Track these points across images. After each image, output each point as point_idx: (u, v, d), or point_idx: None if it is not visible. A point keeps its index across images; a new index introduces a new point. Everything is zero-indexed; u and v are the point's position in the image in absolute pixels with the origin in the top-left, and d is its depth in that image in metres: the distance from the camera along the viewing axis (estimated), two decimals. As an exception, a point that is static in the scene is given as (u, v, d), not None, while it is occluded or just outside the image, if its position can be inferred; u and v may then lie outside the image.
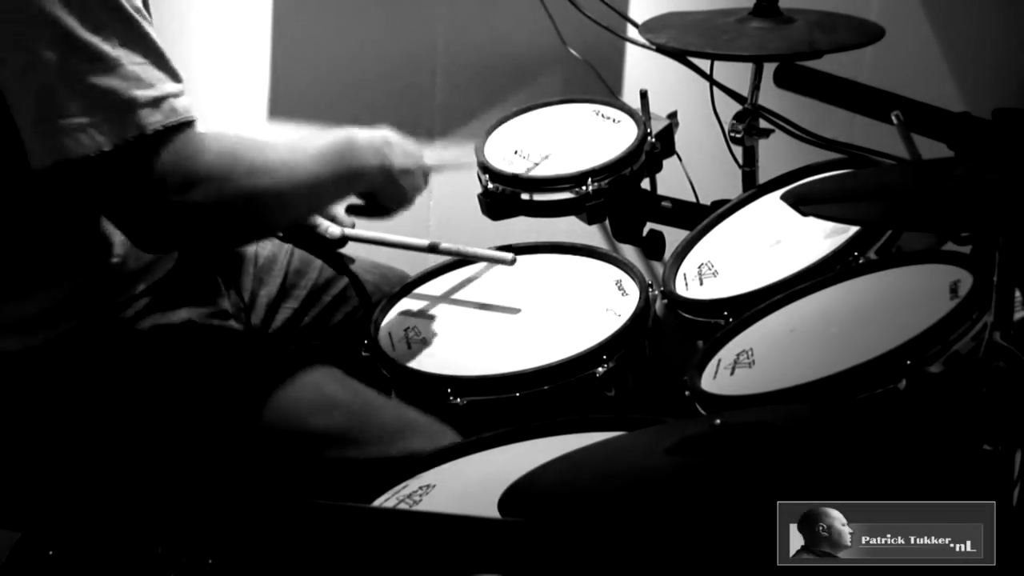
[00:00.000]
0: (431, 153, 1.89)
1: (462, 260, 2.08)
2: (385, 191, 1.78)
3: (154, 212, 1.51)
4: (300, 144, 1.65)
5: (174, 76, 1.52)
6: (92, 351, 1.64)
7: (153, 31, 1.51)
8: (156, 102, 1.48)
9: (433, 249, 2.04)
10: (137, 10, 1.50)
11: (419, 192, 1.83)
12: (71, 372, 1.63)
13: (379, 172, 1.74)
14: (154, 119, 1.48)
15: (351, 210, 1.94)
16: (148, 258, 1.70)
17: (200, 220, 1.53)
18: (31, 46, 1.44)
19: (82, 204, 1.58)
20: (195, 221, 1.53)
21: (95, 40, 1.45)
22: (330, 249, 2.05)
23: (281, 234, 2.04)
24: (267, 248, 1.99)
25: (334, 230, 2.03)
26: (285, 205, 1.63)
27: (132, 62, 1.48)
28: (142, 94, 1.47)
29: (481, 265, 2.09)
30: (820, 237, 1.88)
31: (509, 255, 2.00)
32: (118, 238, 1.64)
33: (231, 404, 1.66)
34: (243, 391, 1.67)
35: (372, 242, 2.05)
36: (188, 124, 1.51)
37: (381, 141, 1.75)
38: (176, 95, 1.51)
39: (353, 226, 2.05)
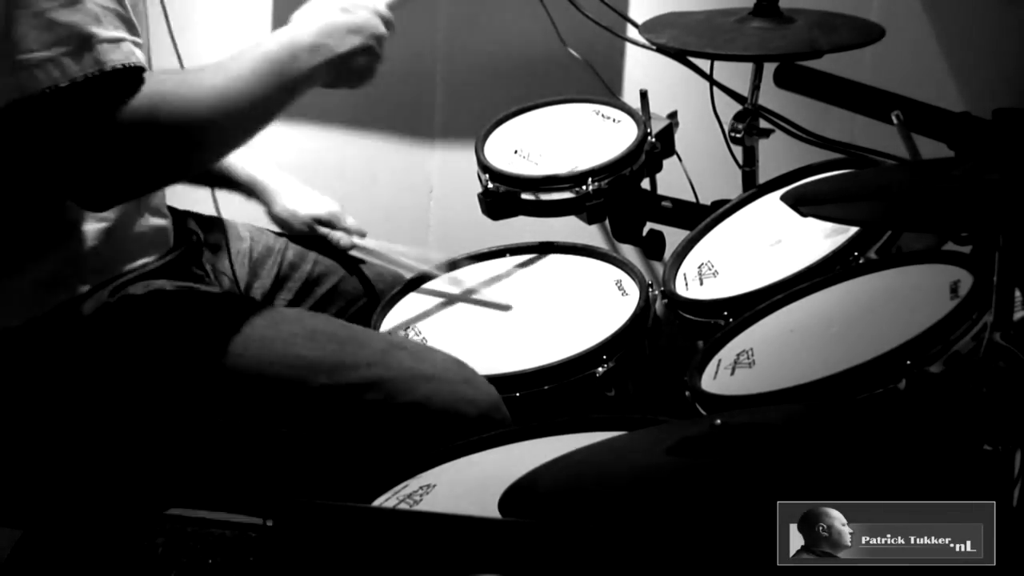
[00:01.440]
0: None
1: (460, 261, 2.08)
2: (339, 81, 1.70)
3: (96, 155, 1.48)
4: (237, 64, 1.59)
5: (133, 30, 1.50)
6: (79, 333, 1.64)
7: None
8: (116, 42, 1.47)
9: (425, 275, 2.04)
10: None
11: (378, 59, 1.71)
12: (63, 352, 1.62)
13: (327, 68, 1.65)
14: (113, 57, 1.46)
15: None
16: (134, 239, 1.69)
17: (136, 162, 1.51)
18: None
19: (28, 150, 1.53)
20: (133, 164, 1.51)
21: None
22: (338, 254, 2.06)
23: (282, 230, 2.04)
24: (262, 241, 1.99)
25: (344, 242, 2.04)
26: (224, 132, 1.59)
27: (94, 2, 1.46)
28: (103, 32, 1.46)
29: (481, 264, 2.09)
30: (820, 237, 1.88)
31: (507, 304, 1.99)
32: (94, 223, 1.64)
33: (221, 347, 1.65)
34: (231, 333, 1.66)
35: (379, 257, 2.05)
36: (141, 71, 1.49)
37: (322, 33, 1.65)
38: (135, 43, 1.49)
39: (364, 235, 2.06)
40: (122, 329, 1.65)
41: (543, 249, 2.10)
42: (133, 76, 1.48)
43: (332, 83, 1.68)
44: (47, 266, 1.62)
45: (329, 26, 1.66)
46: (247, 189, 2.04)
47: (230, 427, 1.65)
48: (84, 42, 1.45)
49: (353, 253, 2.07)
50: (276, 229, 2.05)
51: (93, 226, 1.64)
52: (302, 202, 2.05)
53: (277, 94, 1.61)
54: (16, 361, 1.62)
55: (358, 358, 1.67)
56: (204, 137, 1.56)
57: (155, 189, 1.68)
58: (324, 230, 2.04)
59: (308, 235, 2.04)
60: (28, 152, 1.53)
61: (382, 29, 1.70)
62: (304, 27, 1.65)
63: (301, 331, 1.69)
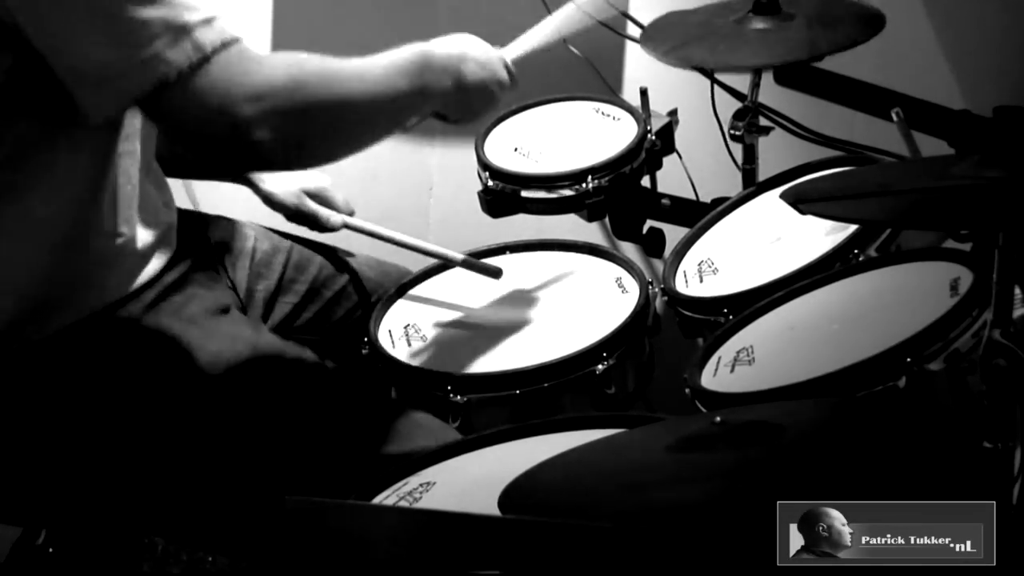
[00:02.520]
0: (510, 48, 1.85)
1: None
2: (458, 108, 1.74)
3: (225, 129, 1.49)
4: (373, 59, 1.62)
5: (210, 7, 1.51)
6: (95, 341, 1.63)
7: None
8: (207, 22, 1.48)
9: (423, 251, 2.04)
10: None
11: (495, 104, 1.78)
12: (74, 361, 1.62)
13: (453, 91, 1.69)
14: (210, 37, 1.47)
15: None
16: (148, 244, 1.69)
17: (275, 131, 1.50)
18: (77, 2, 1.44)
19: (111, 157, 1.57)
20: (271, 133, 1.50)
21: None
22: (329, 232, 2.05)
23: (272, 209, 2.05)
24: (266, 243, 1.98)
25: (335, 220, 2.03)
26: (360, 116, 1.60)
27: None
28: (191, 17, 1.47)
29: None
30: (820, 234, 1.88)
31: (498, 269, 1.99)
32: (113, 224, 1.64)
33: (236, 402, 1.65)
34: (251, 389, 1.67)
35: (369, 234, 2.05)
36: (238, 41, 1.50)
37: (457, 58, 1.70)
38: (219, 18, 1.50)
39: (352, 214, 2.05)
40: (127, 343, 1.65)
41: (543, 247, 2.10)
42: (234, 46, 1.49)
43: (446, 108, 1.72)
44: (54, 279, 1.62)
45: (463, 53, 1.71)
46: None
47: (232, 434, 1.65)
48: (179, 32, 1.45)
49: (344, 230, 2.06)
50: (276, 228, 2.05)
51: (100, 237, 1.64)
52: (290, 177, 2.04)
53: (409, 97, 1.63)
54: (24, 371, 1.62)
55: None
56: (344, 115, 1.57)
57: (293, 162, 1.68)
58: (313, 206, 2.02)
59: (298, 214, 2.03)
60: (170, 140, 1.56)
61: (506, 78, 1.77)
62: (441, 47, 1.69)
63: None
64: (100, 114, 1.49)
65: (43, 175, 1.57)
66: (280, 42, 2.67)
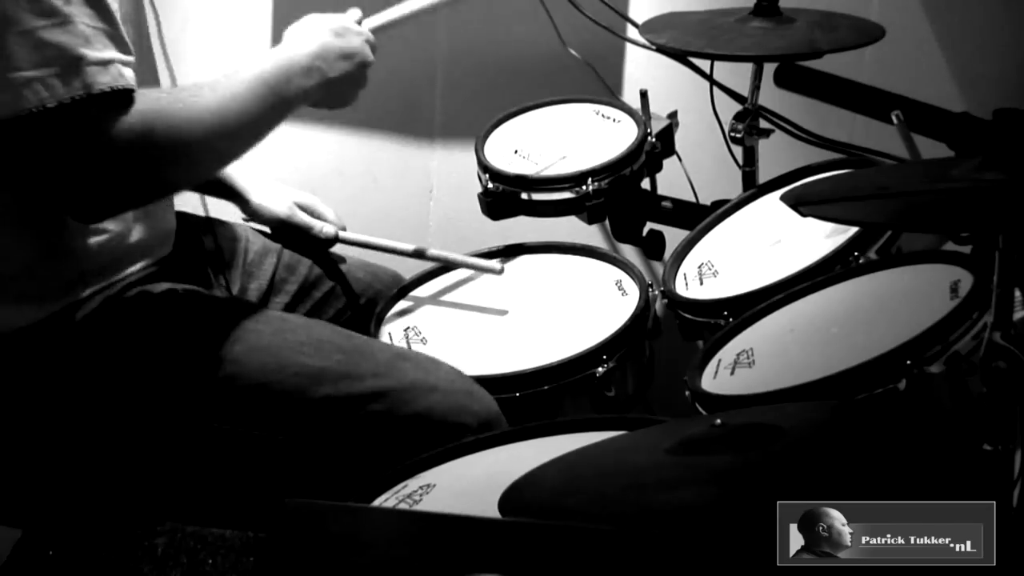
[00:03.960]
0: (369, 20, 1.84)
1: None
2: (327, 101, 1.74)
3: (85, 175, 1.48)
4: (232, 83, 1.61)
5: (124, 48, 1.51)
6: (80, 336, 1.64)
7: (112, 4, 1.50)
8: (105, 64, 1.47)
9: (419, 255, 2.04)
10: None
11: (362, 84, 1.77)
12: (64, 356, 1.62)
13: (317, 89, 1.70)
14: (101, 80, 1.46)
15: None
16: (140, 242, 1.69)
17: (129, 179, 1.51)
18: None
19: (21, 165, 1.53)
20: (124, 182, 1.51)
21: None
22: (322, 249, 2.05)
23: (270, 231, 2.04)
24: (257, 243, 1.99)
25: (328, 230, 2.03)
26: (218, 151, 1.61)
27: (84, 22, 1.46)
28: (91, 53, 1.46)
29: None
30: (820, 237, 1.88)
31: (497, 265, 2.00)
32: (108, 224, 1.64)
33: (222, 358, 1.65)
34: (236, 340, 1.67)
35: (362, 245, 2.05)
36: (130, 92, 1.50)
37: (318, 55, 1.69)
38: (126, 63, 1.50)
39: (344, 228, 2.06)
40: (125, 332, 1.65)
41: (543, 249, 2.10)
42: (122, 97, 1.49)
43: (317, 103, 1.73)
44: (47, 270, 1.62)
45: (323, 49, 1.70)
46: (219, 189, 2.03)
47: (231, 434, 1.65)
48: (73, 64, 1.45)
49: (337, 245, 2.06)
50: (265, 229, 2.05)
51: (94, 231, 1.64)
52: (277, 192, 2.05)
53: (270, 113, 1.64)
54: (18, 364, 1.62)
55: (363, 369, 1.67)
56: (199, 156, 1.58)
57: (146, 203, 1.68)
58: (304, 217, 2.03)
59: (288, 227, 2.03)
60: (21, 166, 1.53)
61: (370, 56, 1.76)
62: (298, 48, 1.69)
63: (307, 340, 1.69)
64: None
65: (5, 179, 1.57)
66: (280, 42, 2.67)
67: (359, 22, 1.81)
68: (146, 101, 1.52)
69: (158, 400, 1.63)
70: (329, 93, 1.72)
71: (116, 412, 1.63)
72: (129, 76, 1.50)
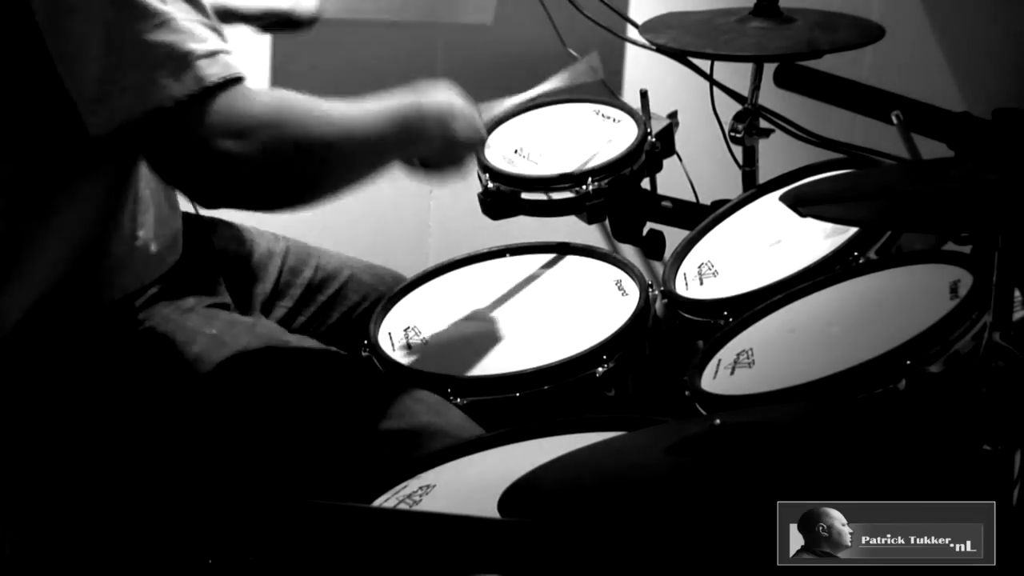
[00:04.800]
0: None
1: (460, 261, 2.08)
2: (440, 160, 1.76)
3: (209, 164, 1.48)
4: (363, 103, 1.63)
5: (221, 35, 1.51)
6: (100, 340, 1.64)
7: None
8: (211, 55, 1.47)
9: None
10: None
11: (465, 164, 1.80)
12: (77, 361, 1.63)
13: (439, 142, 1.71)
14: (212, 71, 1.47)
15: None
16: (160, 247, 1.70)
17: (257, 170, 1.51)
18: (87, 12, 1.43)
19: (137, 163, 1.57)
20: (251, 171, 1.50)
21: None
22: (302, 27, 2.04)
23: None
24: (262, 245, 1.99)
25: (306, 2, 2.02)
26: (340, 159, 1.59)
27: (183, 18, 1.47)
28: (197, 47, 1.46)
29: (481, 265, 2.09)
30: (820, 237, 1.88)
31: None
32: (130, 227, 1.64)
33: (238, 392, 1.65)
34: (250, 377, 1.67)
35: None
36: (241, 79, 1.50)
37: (447, 111, 1.72)
38: (226, 51, 1.50)
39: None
40: (131, 349, 1.65)
41: (543, 249, 2.10)
42: (237, 85, 1.49)
43: (427, 159, 1.75)
44: (70, 281, 1.62)
45: (452, 110, 1.73)
46: None
47: (238, 461, 1.65)
48: (182, 61, 1.45)
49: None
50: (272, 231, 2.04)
51: (120, 242, 1.64)
52: None
53: (395, 143, 1.65)
54: (23, 365, 1.62)
55: (376, 410, 1.67)
56: (326, 154, 1.56)
57: (277, 200, 1.65)
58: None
59: (271, 14, 2.03)
60: (148, 162, 1.55)
61: (484, 138, 1.84)
62: (430, 98, 1.71)
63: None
64: (97, 131, 1.47)
65: (77, 186, 1.58)
66: (280, 42, 2.67)
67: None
68: (271, 93, 1.54)
69: (160, 418, 1.63)
70: (447, 151, 1.74)
71: (119, 424, 1.63)
72: (235, 64, 1.50)
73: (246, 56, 2.64)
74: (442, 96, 1.73)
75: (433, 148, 1.72)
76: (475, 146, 1.81)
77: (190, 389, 1.65)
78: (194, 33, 1.47)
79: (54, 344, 1.62)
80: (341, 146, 1.58)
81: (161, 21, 1.45)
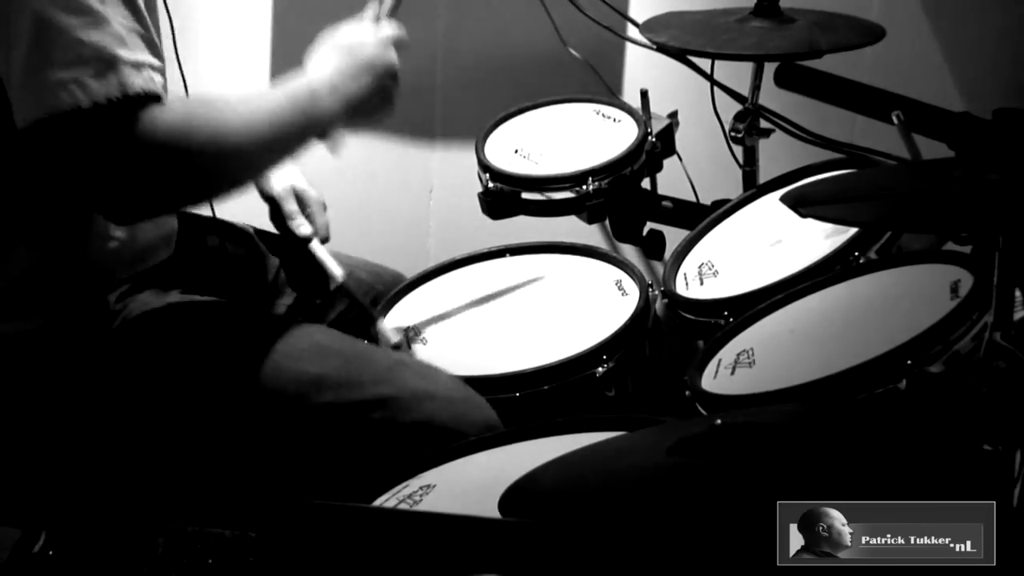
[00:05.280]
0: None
1: (460, 261, 2.09)
2: (358, 119, 1.73)
3: (117, 178, 1.47)
4: (262, 98, 1.61)
5: (156, 53, 1.50)
6: (84, 337, 1.64)
7: (142, 8, 1.50)
8: (138, 66, 1.46)
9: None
10: None
11: (394, 92, 1.75)
12: (65, 358, 1.62)
13: (344, 109, 1.68)
14: (135, 82, 1.45)
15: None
16: (145, 245, 1.69)
17: (165, 185, 1.50)
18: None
19: (50, 168, 1.52)
20: (160, 186, 1.50)
21: None
22: (291, 244, 2.03)
23: (253, 229, 2.03)
24: (261, 245, 1.99)
25: (304, 230, 1.99)
26: (251, 160, 1.60)
27: (119, 22, 1.46)
28: (127, 54, 1.45)
29: (480, 265, 2.09)
30: (820, 237, 1.88)
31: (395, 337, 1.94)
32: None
33: (224, 364, 1.65)
34: (234, 349, 1.67)
35: (320, 263, 1.99)
36: (159, 100, 1.49)
37: (333, 77, 1.68)
38: (157, 68, 1.49)
39: (327, 240, 2.02)
40: (129, 338, 1.65)
41: (543, 249, 2.10)
42: (154, 100, 1.48)
43: (353, 122, 1.71)
44: (55, 269, 1.62)
45: (337, 70, 1.68)
46: None
47: (231, 438, 1.65)
48: (109, 64, 1.44)
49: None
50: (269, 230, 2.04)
51: (100, 237, 1.64)
52: (283, 170, 2.01)
53: (299, 132, 1.63)
54: (25, 363, 1.62)
55: (364, 376, 1.67)
56: (232, 161, 1.56)
57: (181, 207, 1.68)
58: (290, 206, 1.98)
59: (273, 206, 2.00)
60: (54, 167, 1.51)
61: (392, 60, 1.73)
62: (317, 72, 1.68)
63: (309, 346, 1.69)
64: (20, 122, 1.46)
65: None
66: (280, 42, 2.67)
67: (378, 17, 1.78)
68: (180, 105, 1.52)
69: (156, 405, 1.63)
70: (359, 111, 1.70)
71: (114, 416, 1.63)
72: (159, 81, 1.49)
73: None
74: (323, 63, 1.69)
75: (344, 117, 1.68)
76: (387, 84, 1.73)
77: (175, 392, 1.64)
78: (124, 40, 1.46)
79: (29, 335, 1.62)
80: (247, 150, 1.57)
81: (94, 20, 1.44)
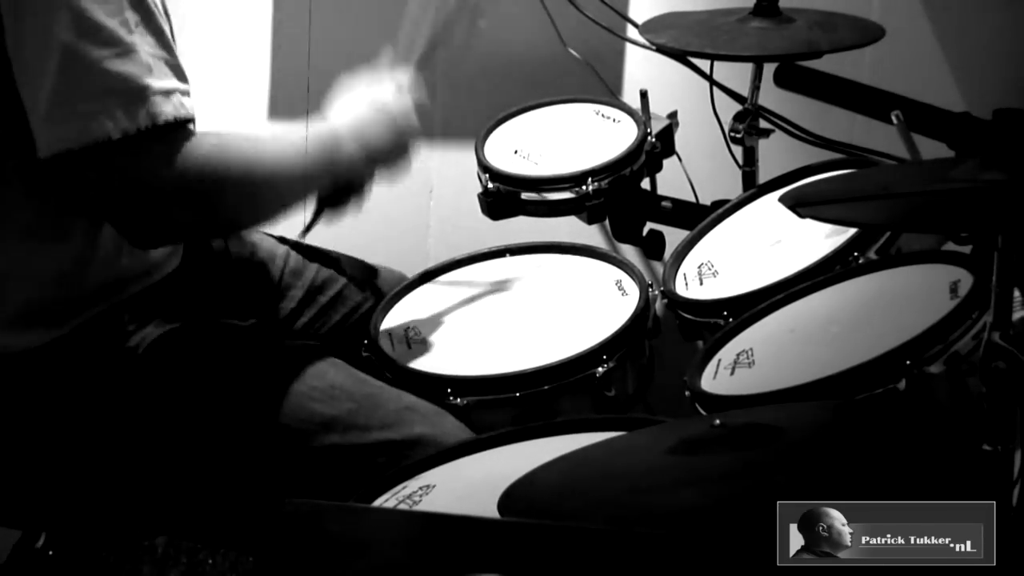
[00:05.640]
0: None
1: (460, 261, 2.09)
2: (376, 170, 1.77)
3: (146, 202, 1.49)
4: (289, 137, 1.65)
5: (182, 77, 1.51)
6: (93, 349, 1.64)
7: (168, 31, 1.51)
8: (167, 93, 1.47)
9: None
10: (156, 6, 1.49)
11: (410, 153, 1.80)
12: (73, 370, 1.62)
13: (366, 161, 1.73)
14: (165, 110, 1.47)
15: None
16: (153, 260, 1.70)
17: (194, 213, 1.53)
18: (47, 29, 1.43)
19: (76, 196, 1.54)
20: (189, 215, 1.52)
21: (111, 24, 1.44)
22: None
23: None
24: (263, 249, 1.99)
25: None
26: (279, 193, 1.62)
27: (147, 51, 1.46)
28: (155, 83, 1.46)
29: (480, 265, 2.09)
30: (820, 237, 1.88)
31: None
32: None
33: (235, 396, 1.65)
34: (247, 382, 1.67)
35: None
36: (191, 121, 1.51)
37: (358, 128, 1.72)
38: (185, 92, 1.50)
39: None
40: (146, 360, 1.65)
41: (543, 249, 2.10)
42: (185, 127, 1.49)
43: (373, 171, 1.75)
44: (59, 291, 1.62)
45: (362, 119, 1.72)
46: None
47: (231, 465, 1.64)
48: (137, 94, 1.45)
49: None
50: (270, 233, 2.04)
51: (113, 245, 1.64)
52: None
53: (323, 172, 1.67)
54: (37, 378, 1.62)
55: (371, 421, 1.67)
56: (262, 192, 1.59)
57: (208, 236, 1.70)
58: None
59: None
60: (80, 196, 1.53)
61: (413, 122, 1.78)
62: (341, 118, 1.72)
63: (323, 386, 1.69)
64: (42, 152, 1.46)
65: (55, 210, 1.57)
66: (280, 42, 2.67)
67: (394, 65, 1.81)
68: (215, 136, 1.54)
69: (165, 428, 1.63)
70: (379, 160, 1.74)
71: (116, 433, 1.63)
72: (189, 106, 1.50)
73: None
74: (351, 112, 1.74)
75: (362, 166, 1.73)
76: (406, 142, 1.78)
77: (179, 402, 1.64)
78: (152, 69, 1.46)
79: (41, 350, 1.62)
80: (278, 183, 1.60)
81: (122, 51, 1.45)
